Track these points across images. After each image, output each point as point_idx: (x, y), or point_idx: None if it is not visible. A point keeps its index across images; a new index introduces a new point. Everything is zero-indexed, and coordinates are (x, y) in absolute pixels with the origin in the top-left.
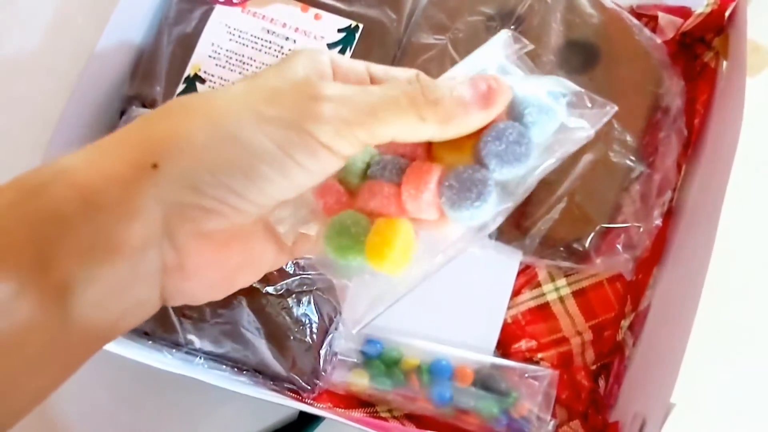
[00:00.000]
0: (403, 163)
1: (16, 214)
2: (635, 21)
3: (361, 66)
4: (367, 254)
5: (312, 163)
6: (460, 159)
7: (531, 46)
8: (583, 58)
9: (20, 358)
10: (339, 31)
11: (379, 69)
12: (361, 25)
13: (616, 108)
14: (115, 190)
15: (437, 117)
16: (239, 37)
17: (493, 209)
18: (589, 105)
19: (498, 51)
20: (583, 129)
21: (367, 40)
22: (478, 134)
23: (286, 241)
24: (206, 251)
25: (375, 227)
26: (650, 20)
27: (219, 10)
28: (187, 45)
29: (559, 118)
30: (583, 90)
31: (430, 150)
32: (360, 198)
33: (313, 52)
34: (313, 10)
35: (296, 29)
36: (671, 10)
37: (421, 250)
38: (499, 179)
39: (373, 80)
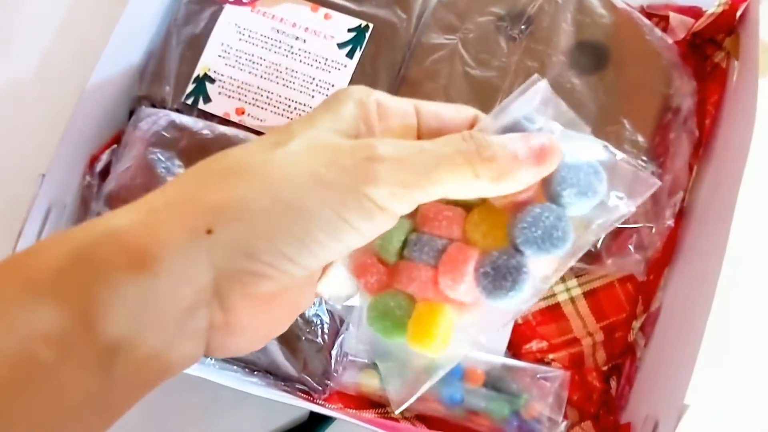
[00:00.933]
0: (439, 244)
1: (67, 278)
2: (646, 21)
3: (408, 105)
4: (410, 340)
5: (367, 227)
6: (495, 242)
7: (567, 109)
8: (593, 58)
9: (59, 410)
10: (349, 30)
11: (429, 108)
12: (371, 25)
13: (659, 183)
14: (169, 257)
15: (491, 174)
16: (249, 36)
17: (528, 296)
18: (630, 175)
19: (535, 103)
20: (623, 205)
21: (377, 40)
22: (513, 209)
23: (332, 303)
24: (253, 310)
25: (416, 314)
26: (661, 20)
27: (228, 9)
28: (196, 45)
29: (599, 198)
30: (625, 156)
31: (464, 229)
32: (398, 280)
33: (361, 94)
34: (323, 10)
35: (306, 29)
36: (682, 10)
37: (460, 329)
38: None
39: (420, 119)
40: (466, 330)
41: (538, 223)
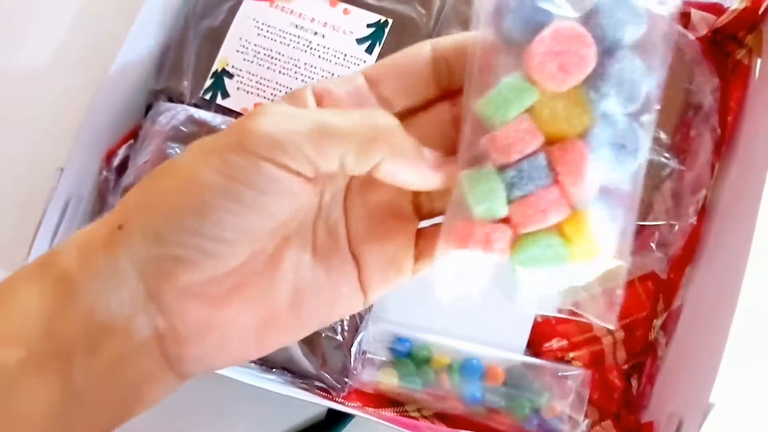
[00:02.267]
0: (540, 160)
1: (34, 284)
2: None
3: (354, 77)
4: (580, 259)
5: (263, 182)
6: (580, 121)
7: None
8: None
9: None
10: (368, 26)
11: (376, 68)
12: (390, 21)
13: None
14: (95, 259)
15: (389, 146)
16: (267, 31)
17: (642, 140)
18: None
19: None
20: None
21: (396, 36)
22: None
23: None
24: (199, 310)
25: (572, 233)
26: (682, 16)
27: (247, 4)
28: (214, 39)
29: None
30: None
31: (545, 131)
32: (524, 222)
33: (291, 92)
34: (342, 5)
35: (325, 24)
36: (703, 7)
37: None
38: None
39: (374, 84)
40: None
41: (621, 76)
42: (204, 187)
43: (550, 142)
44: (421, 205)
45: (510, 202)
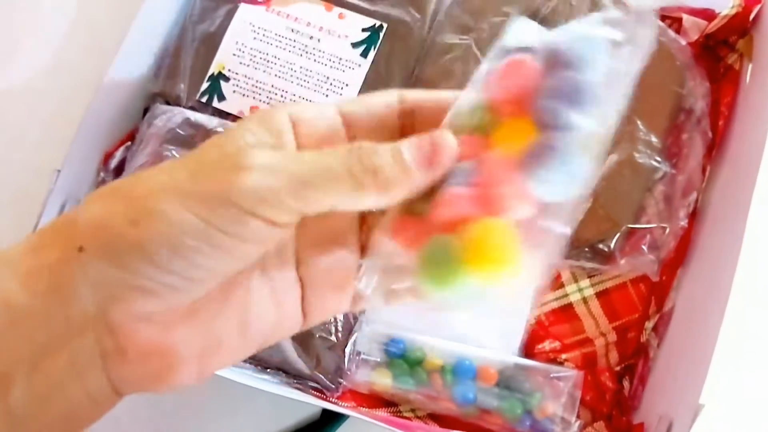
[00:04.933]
0: (469, 166)
1: None
2: (659, 22)
3: (330, 110)
4: (476, 266)
5: (245, 232)
6: (524, 135)
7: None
8: None
9: None
10: (363, 30)
11: (352, 108)
12: (385, 25)
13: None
14: (50, 277)
15: (377, 186)
16: (264, 35)
17: (586, 167)
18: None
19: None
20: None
21: (391, 40)
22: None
23: (376, 303)
24: (148, 334)
25: (470, 236)
26: (673, 22)
27: (243, 8)
28: (211, 43)
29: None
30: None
31: (488, 144)
32: (439, 220)
33: (266, 115)
34: (337, 10)
35: (320, 28)
36: (695, 12)
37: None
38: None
39: (347, 122)
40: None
41: (562, 87)
42: (181, 229)
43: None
44: (366, 242)
45: (433, 201)
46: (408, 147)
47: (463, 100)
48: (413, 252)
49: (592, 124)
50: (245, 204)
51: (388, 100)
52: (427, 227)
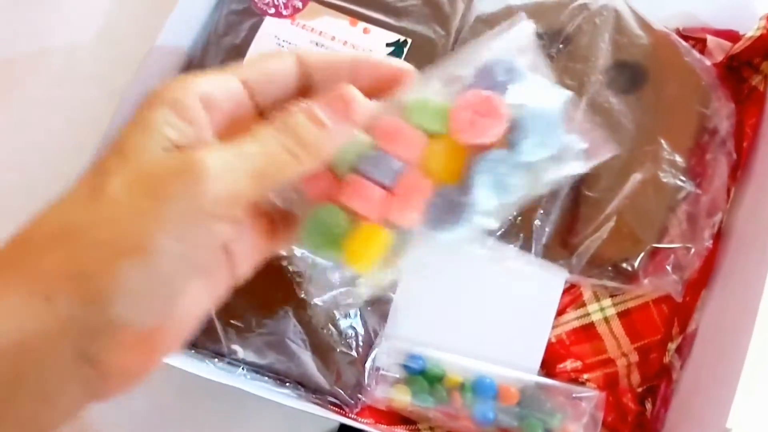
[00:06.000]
0: (396, 166)
1: None
2: (683, 43)
3: (233, 84)
4: (347, 258)
5: (216, 240)
6: (450, 177)
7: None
8: (631, 78)
9: None
10: (387, 45)
11: (256, 72)
12: (409, 40)
13: (617, 152)
14: (17, 332)
15: (311, 154)
16: (288, 49)
17: (471, 232)
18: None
19: (522, 41)
20: (577, 165)
21: (415, 56)
22: (473, 150)
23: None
24: (131, 355)
25: (360, 234)
26: (697, 42)
27: (268, 22)
28: (235, 56)
29: (556, 149)
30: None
31: (424, 156)
32: (345, 194)
33: (175, 94)
34: (362, 24)
35: (345, 42)
36: (719, 33)
37: (393, 255)
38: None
39: (250, 91)
40: (397, 255)
41: (493, 171)
42: (157, 255)
43: (421, 168)
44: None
45: (354, 171)
46: (320, 108)
47: (428, 91)
48: (313, 201)
49: (507, 199)
50: (216, 211)
51: (287, 62)
52: (335, 192)
